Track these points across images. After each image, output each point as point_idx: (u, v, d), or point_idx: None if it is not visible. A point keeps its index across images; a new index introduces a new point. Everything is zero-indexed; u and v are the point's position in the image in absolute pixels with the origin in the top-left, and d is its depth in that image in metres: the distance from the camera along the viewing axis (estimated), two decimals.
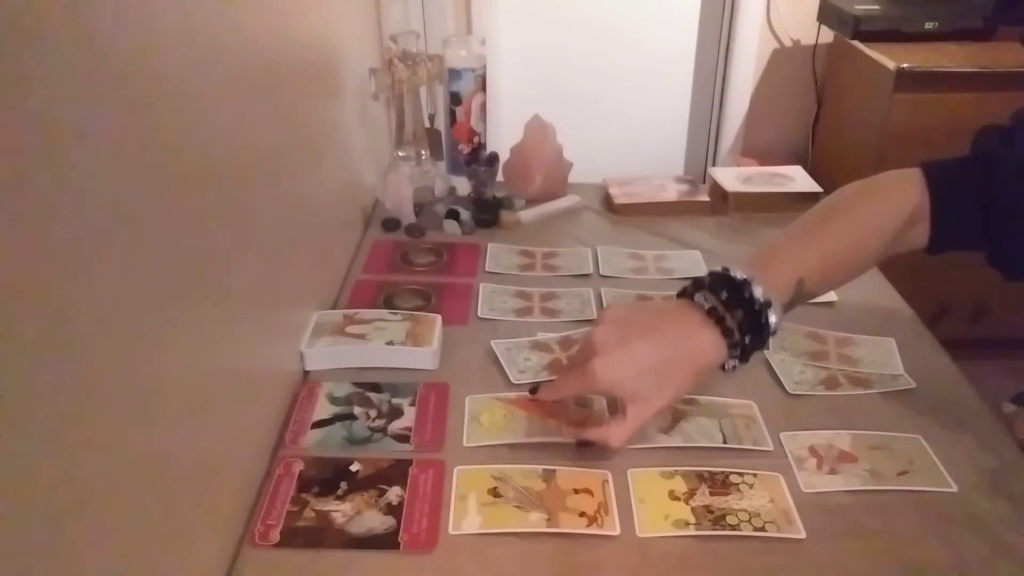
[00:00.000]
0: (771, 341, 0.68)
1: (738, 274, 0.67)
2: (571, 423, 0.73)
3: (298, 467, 0.70)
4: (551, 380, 0.72)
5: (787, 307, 0.69)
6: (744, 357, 0.68)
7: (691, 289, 0.69)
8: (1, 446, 0.35)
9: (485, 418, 0.76)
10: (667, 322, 0.67)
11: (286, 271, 0.80)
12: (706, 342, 0.66)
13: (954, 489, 0.69)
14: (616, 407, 0.70)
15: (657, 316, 0.69)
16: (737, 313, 0.65)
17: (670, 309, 0.69)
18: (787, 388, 0.81)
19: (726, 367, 0.68)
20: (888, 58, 1.72)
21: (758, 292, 0.66)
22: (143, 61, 0.49)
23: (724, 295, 0.66)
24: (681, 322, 0.67)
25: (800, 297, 0.70)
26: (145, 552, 0.49)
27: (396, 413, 0.77)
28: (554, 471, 0.70)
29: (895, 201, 0.73)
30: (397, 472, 0.70)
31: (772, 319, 0.66)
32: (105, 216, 0.44)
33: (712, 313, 0.66)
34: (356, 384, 0.81)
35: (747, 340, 0.66)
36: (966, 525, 0.66)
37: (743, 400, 0.80)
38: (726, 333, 0.65)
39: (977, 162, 0.73)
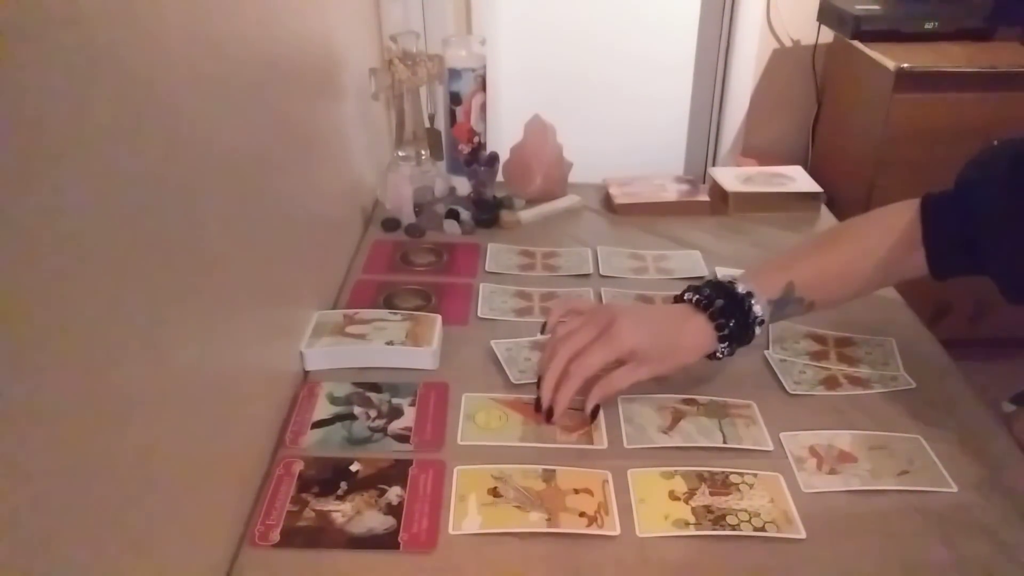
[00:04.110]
0: (761, 331, 0.77)
1: (723, 277, 0.79)
2: (566, 428, 0.75)
3: (298, 467, 0.70)
4: (554, 381, 0.74)
5: (779, 304, 0.78)
6: (732, 342, 0.76)
7: (680, 295, 0.79)
8: (1, 446, 0.35)
9: (480, 418, 0.76)
10: (663, 309, 0.80)
11: (286, 271, 0.80)
12: (696, 325, 0.75)
13: (954, 489, 0.69)
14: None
15: (653, 307, 0.83)
16: (718, 302, 0.75)
17: (662, 305, 0.81)
18: (787, 388, 0.81)
19: (717, 353, 0.76)
20: (888, 58, 1.71)
21: (740, 287, 0.76)
22: (143, 61, 0.49)
23: (707, 291, 0.77)
24: (674, 310, 0.78)
25: (793, 300, 0.78)
26: (145, 552, 0.49)
27: (396, 413, 0.77)
28: (554, 471, 0.70)
29: (887, 223, 0.80)
30: (397, 472, 0.70)
31: (756, 308, 0.75)
32: (105, 216, 0.44)
33: (698, 304, 0.76)
34: (356, 384, 0.81)
35: (732, 324, 0.75)
36: (966, 525, 0.66)
37: (743, 400, 0.80)
38: (711, 317, 0.75)
39: (959, 188, 0.78)
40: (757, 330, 0.76)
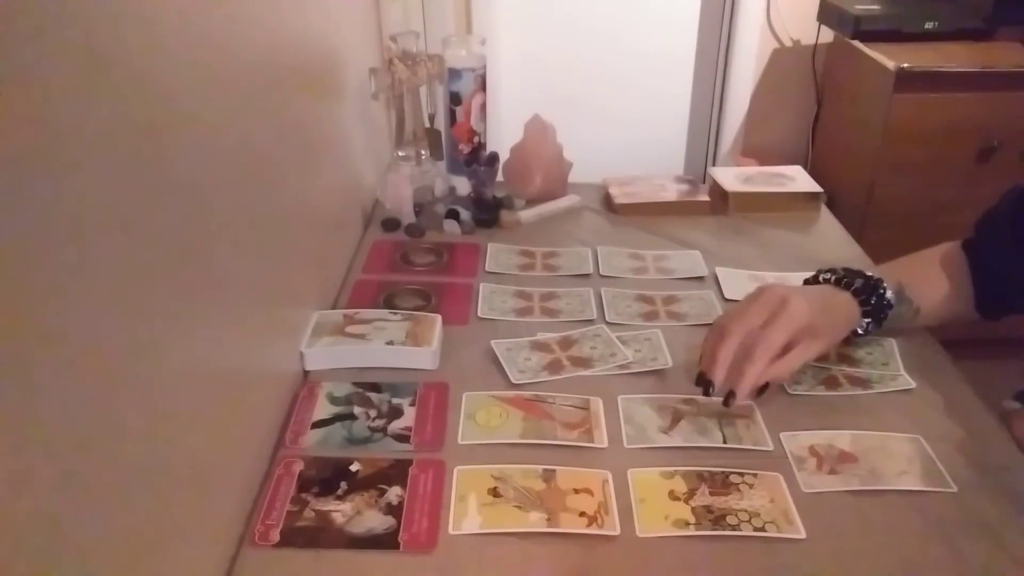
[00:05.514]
0: (886, 323, 0.83)
1: (848, 268, 0.84)
2: (567, 425, 0.75)
3: (298, 467, 0.70)
4: (742, 366, 0.72)
5: (897, 298, 0.82)
6: (872, 318, 0.81)
7: (812, 277, 0.85)
8: (1, 447, 0.35)
9: (481, 416, 0.76)
10: (812, 287, 0.83)
11: (286, 271, 0.80)
12: (844, 299, 0.81)
13: (954, 489, 0.69)
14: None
15: (803, 286, 0.85)
16: (858, 281, 0.81)
17: (806, 286, 0.85)
18: (787, 388, 0.81)
19: (859, 329, 0.82)
20: (888, 58, 1.71)
21: (870, 272, 0.82)
22: (143, 61, 0.49)
23: (841, 273, 0.82)
24: (820, 287, 0.83)
25: (905, 299, 0.84)
26: (145, 552, 0.49)
27: (396, 413, 0.77)
28: (554, 471, 0.70)
29: (946, 253, 0.89)
30: (397, 472, 0.70)
31: (888, 293, 0.81)
32: (105, 216, 0.44)
33: (838, 283, 0.82)
34: (356, 384, 0.81)
35: (872, 301, 0.80)
36: (966, 525, 0.66)
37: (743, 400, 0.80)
38: (854, 293, 0.81)
39: (978, 235, 0.87)
40: (887, 315, 0.82)
